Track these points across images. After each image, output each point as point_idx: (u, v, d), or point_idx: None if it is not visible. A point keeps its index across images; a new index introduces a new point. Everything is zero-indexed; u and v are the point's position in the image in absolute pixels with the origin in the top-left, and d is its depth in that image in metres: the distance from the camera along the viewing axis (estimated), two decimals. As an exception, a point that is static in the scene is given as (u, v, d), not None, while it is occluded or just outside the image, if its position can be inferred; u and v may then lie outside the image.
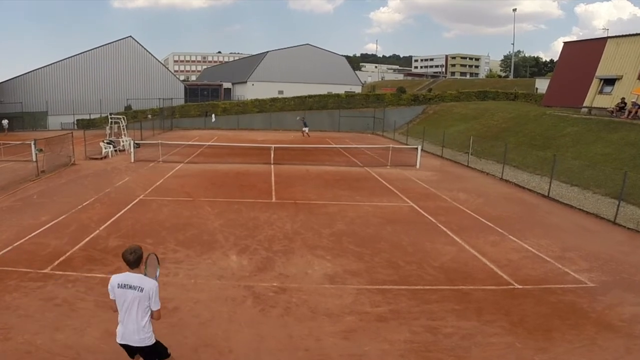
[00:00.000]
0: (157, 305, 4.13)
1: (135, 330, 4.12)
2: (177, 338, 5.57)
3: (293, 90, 47.50)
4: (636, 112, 21.52)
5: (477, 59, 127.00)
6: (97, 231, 9.84)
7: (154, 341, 4.27)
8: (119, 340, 4.23)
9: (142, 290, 4.04)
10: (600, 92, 26.12)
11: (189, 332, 5.85)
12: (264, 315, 6.42)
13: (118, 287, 4.10)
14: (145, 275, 4.14)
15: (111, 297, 4.18)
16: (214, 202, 12.70)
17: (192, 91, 52.47)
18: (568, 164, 17.48)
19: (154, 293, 4.08)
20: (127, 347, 4.28)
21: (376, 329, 6.09)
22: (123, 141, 23.57)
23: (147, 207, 12.02)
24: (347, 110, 41.58)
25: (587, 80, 26.85)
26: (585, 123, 22.18)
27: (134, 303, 4.06)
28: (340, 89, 50.83)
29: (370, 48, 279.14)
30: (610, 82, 25.70)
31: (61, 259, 8.16)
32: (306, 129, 33.12)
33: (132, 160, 19.82)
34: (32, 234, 9.47)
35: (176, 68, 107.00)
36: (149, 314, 4.14)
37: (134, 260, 4.07)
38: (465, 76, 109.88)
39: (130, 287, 4.06)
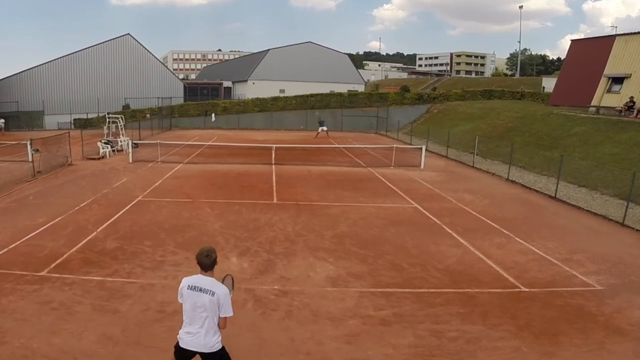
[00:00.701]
0: (228, 313, 3.95)
1: (200, 335, 3.95)
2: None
3: (295, 89, 47.18)
4: (644, 111, 21.33)
5: (482, 57, 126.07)
6: (95, 233, 9.74)
7: (221, 346, 4.08)
8: (181, 345, 4.04)
9: (213, 294, 3.88)
10: (609, 91, 25.79)
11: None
12: (264, 318, 6.33)
13: (188, 289, 3.94)
14: (223, 282, 4.02)
15: (179, 299, 4.03)
16: (213, 203, 12.58)
17: (192, 90, 52.03)
18: (575, 164, 17.29)
19: (225, 299, 3.92)
20: (185, 352, 4.07)
21: (379, 333, 5.98)
22: (121, 141, 23.39)
23: (145, 209, 11.92)
24: (350, 109, 41.40)
25: (595, 79, 26.55)
26: (593, 122, 21.96)
27: (203, 307, 3.89)
28: (342, 88, 50.51)
29: (374, 46, 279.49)
30: (618, 80, 25.36)
31: (58, 261, 8.06)
32: (324, 128, 31.95)
33: (130, 161, 19.68)
34: (28, 236, 9.36)
35: (175, 66, 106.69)
36: (217, 319, 3.97)
37: (210, 263, 3.92)
38: (471, 75, 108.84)
39: (201, 290, 3.90)
